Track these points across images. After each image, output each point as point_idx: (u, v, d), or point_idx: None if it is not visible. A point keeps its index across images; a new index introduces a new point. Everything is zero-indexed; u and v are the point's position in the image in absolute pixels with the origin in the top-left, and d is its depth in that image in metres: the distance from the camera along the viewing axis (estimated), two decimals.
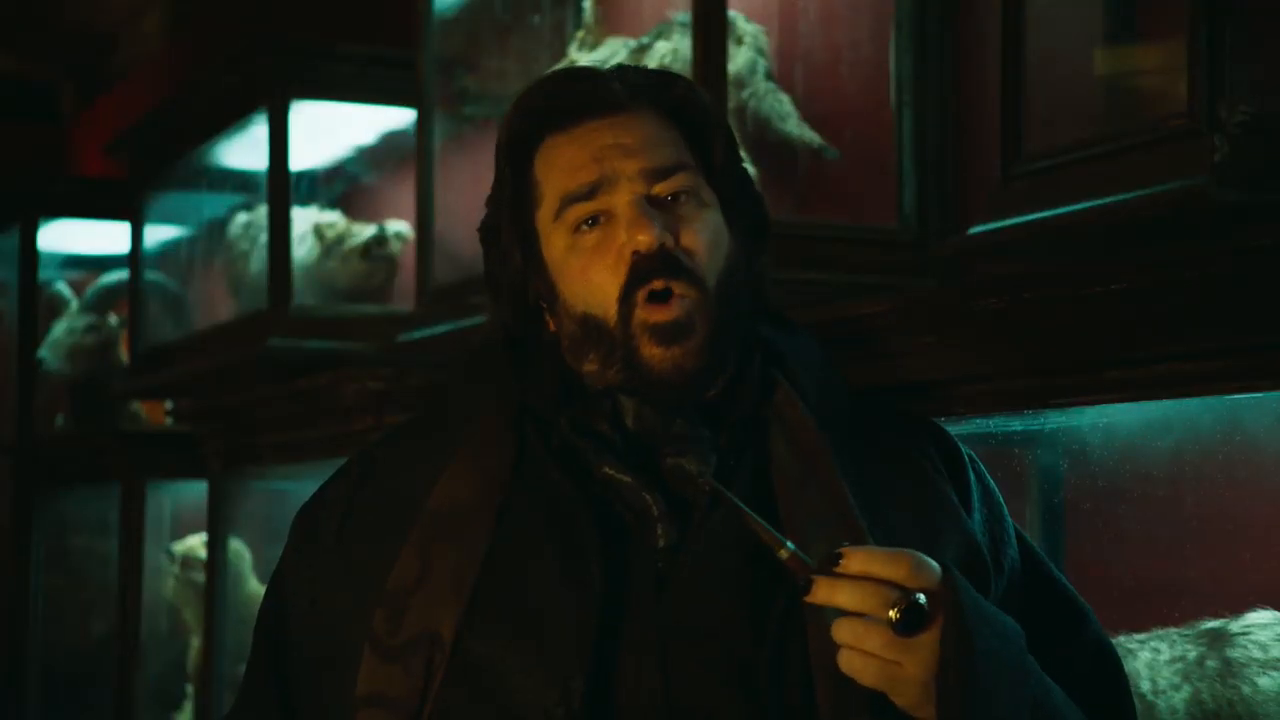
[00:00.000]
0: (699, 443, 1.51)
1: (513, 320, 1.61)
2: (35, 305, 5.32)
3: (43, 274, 5.34)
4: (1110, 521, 1.91)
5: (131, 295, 4.45)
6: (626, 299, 1.51)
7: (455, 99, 3.29)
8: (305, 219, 3.60)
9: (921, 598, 1.33)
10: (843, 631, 1.35)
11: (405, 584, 1.51)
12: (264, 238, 3.55)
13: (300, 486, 1.71)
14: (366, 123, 3.73)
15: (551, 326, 1.59)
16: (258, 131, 3.54)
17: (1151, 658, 1.76)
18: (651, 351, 1.51)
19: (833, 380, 1.63)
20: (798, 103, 2.58)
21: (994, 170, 1.91)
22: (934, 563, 1.37)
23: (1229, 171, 1.58)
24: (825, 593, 1.35)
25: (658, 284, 1.50)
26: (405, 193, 3.50)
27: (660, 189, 1.54)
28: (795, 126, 2.55)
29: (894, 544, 1.40)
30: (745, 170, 1.64)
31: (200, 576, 3.93)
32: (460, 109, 3.30)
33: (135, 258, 4.40)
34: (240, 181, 3.98)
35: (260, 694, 1.63)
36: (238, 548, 3.79)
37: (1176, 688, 1.74)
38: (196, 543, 4.07)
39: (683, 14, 2.55)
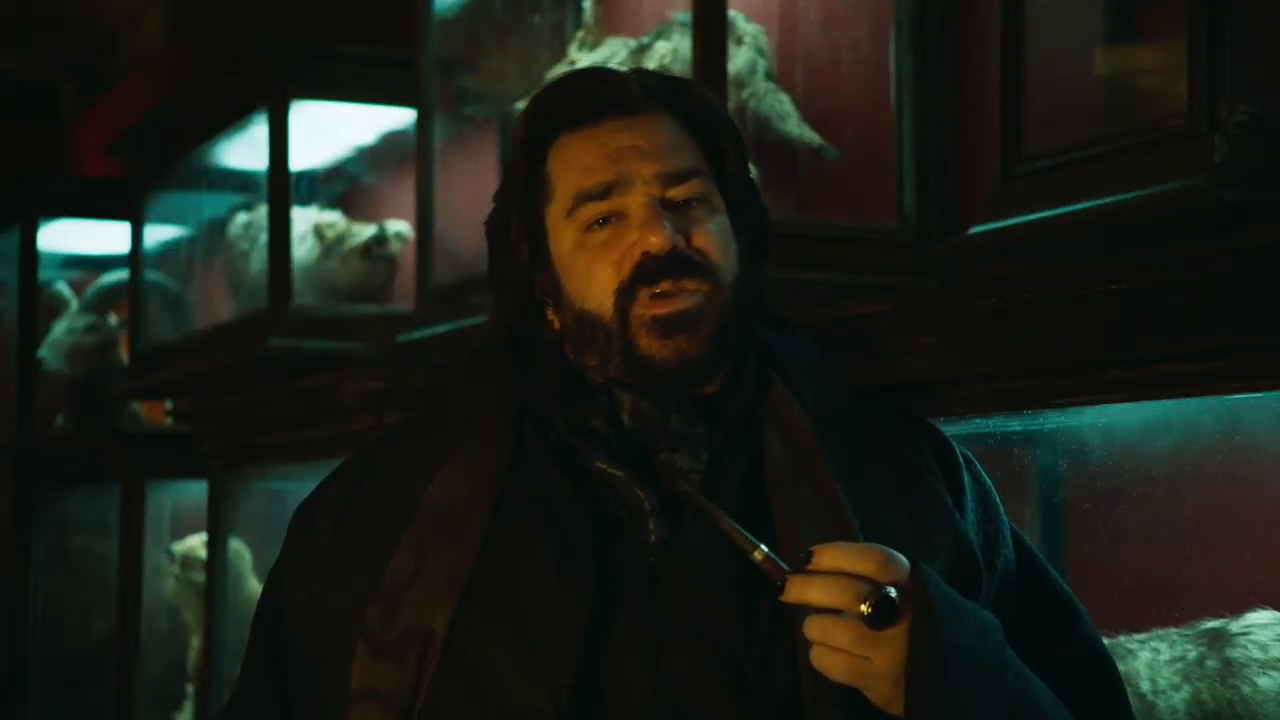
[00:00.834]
0: (694, 439, 1.52)
1: (516, 317, 1.62)
2: (35, 305, 5.32)
3: (43, 274, 5.34)
4: (1110, 521, 1.91)
5: (131, 295, 4.45)
6: (626, 294, 1.52)
7: (455, 99, 3.29)
8: (305, 219, 3.60)
9: (892, 591, 1.34)
10: (813, 629, 1.36)
11: (400, 580, 1.52)
12: (264, 238, 3.55)
13: (300, 486, 1.71)
14: (366, 123, 3.73)
15: (555, 324, 1.59)
16: (258, 131, 3.54)
17: (1151, 658, 1.76)
18: (650, 343, 1.52)
19: (830, 381, 1.63)
20: (798, 103, 2.58)
21: (994, 170, 1.91)
22: (903, 558, 1.38)
23: (1229, 171, 1.58)
24: (797, 591, 1.37)
25: (666, 285, 1.51)
26: (405, 193, 3.50)
27: (674, 193, 1.55)
28: (795, 126, 2.55)
29: (888, 544, 1.41)
30: (753, 180, 1.65)
31: (200, 576, 3.93)
32: (460, 109, 3.30)
33: (135, 258, 4.40)
34: (240, 181, 3.98)
35: (257, 690, 1.64)
36: (238, 548, 3.79)
37: (1176, 688, 1.74)
38: (196, 543, 4.07)
39: (683, 14, 2.55)
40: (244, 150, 3.83)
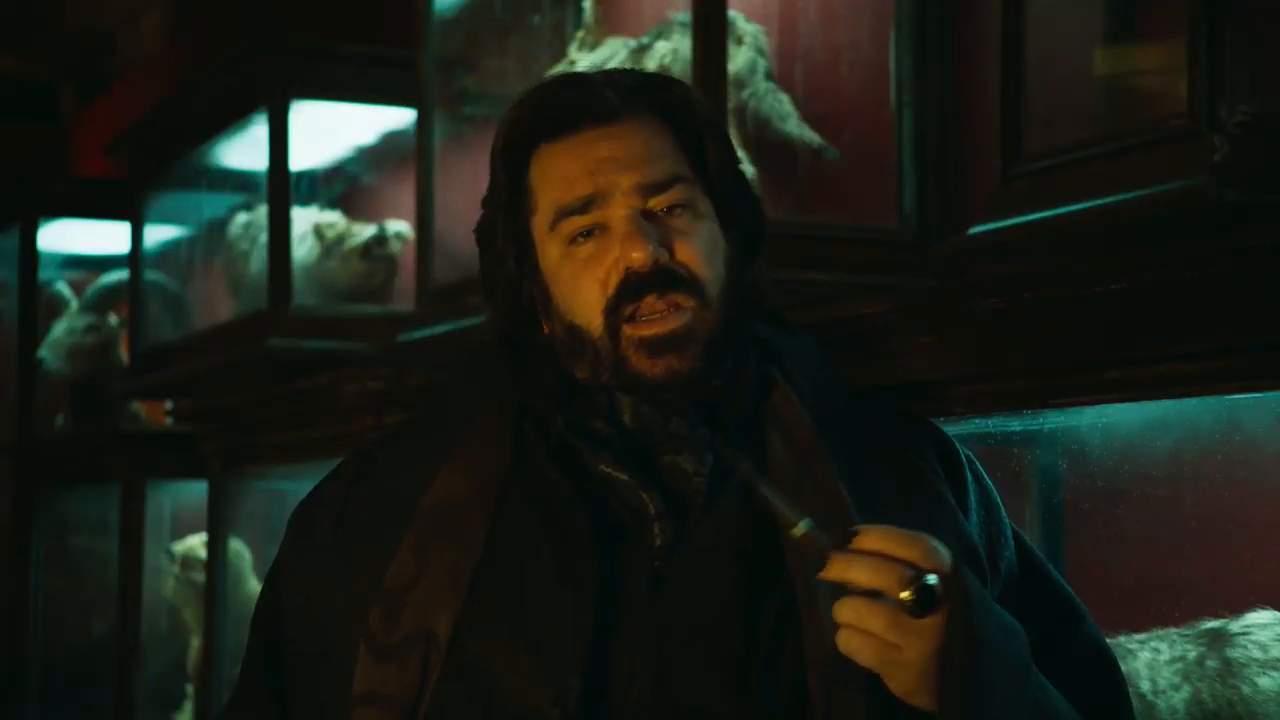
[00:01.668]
0: (696, 441, 1.52)
1: (508, 322, 1.61)
2: (35, 305, 5.32)
3: (43, 274, 5.34)
4: (1110, 521, 1.91)
5: (131, 295, 4.45)
6: (612, 312, 1.51)
7: (455, 99, 3.29)
8: (305, 219, 3.60)
9: (933, 578, 1.33)
10: (845, 611, 1.35)
11: (402, 582, 1.51)
12: (264, 238, 3.55)
13: (300, 486, 1.71)
14: (366, 123, 3.73)
15: (546, 329, 1.59)
16: (258, 131, 3.54)
17: (1151, 658, 1.76)
18: (641, 362, 1.51)
19: (831, 380, 1.63)
20: (798, 103, 2.58)
21: (994, 170, 1.91)
22: (945, 549, 1.37)
23: (1229, 171, 1.58)
24: (840, 568, 1.35)
25: (653, 301, 1.50)
26: (405, 193, 3.50)
27: (655, 203, 1.53)
28: (795, 126, 2.55)
29: None
30: (742, 173, 1.63)
31: (200, 576, 3.93)
32: (460, 109, 3.30)
33: (135, 258, 4.40)
34: (240, 181, 3.98)
35: (256, 690, 1.64)
36: (238, 548, 3.79)
37: (1176, 688, 1.74)
38: (196, 543, 4.07)
39: (683, 14, 2.55)
40: (244, 150, 3.83)
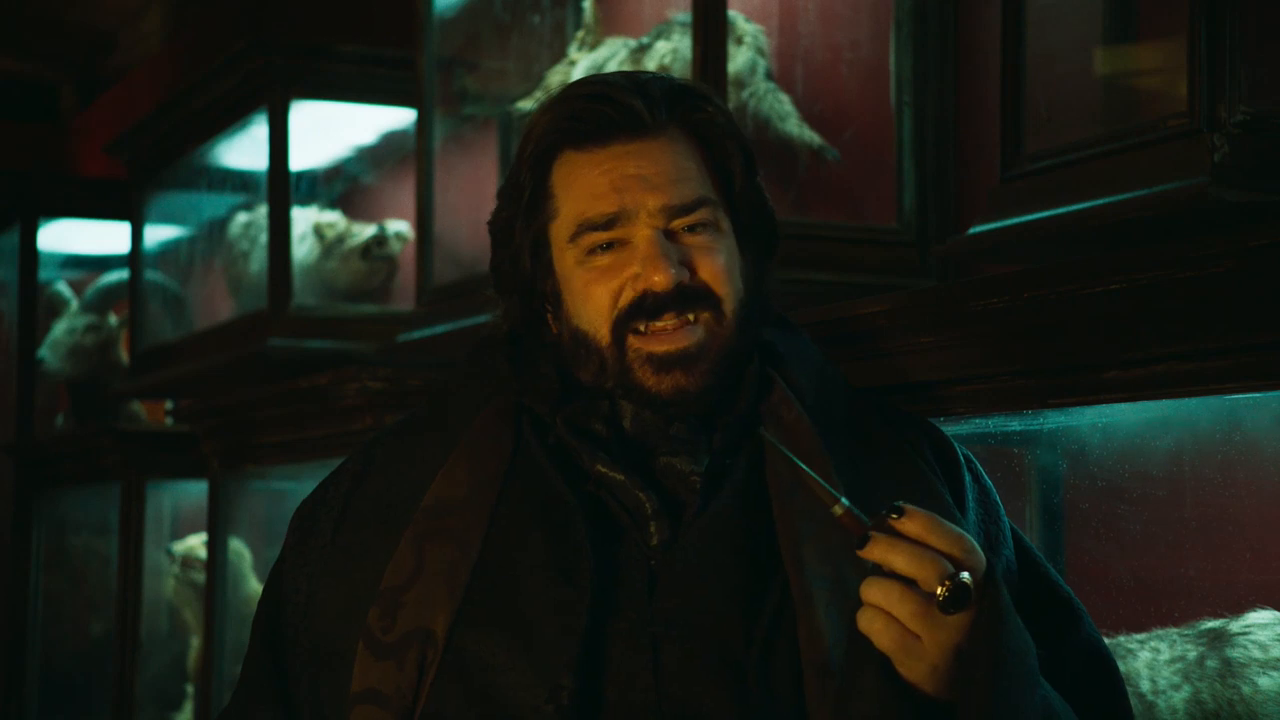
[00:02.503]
0: (694, 443, 1.52)
1: (517, 315, 1.61)
2: (35, 305, 5.32)
3: (43, 274, 5.34)
4: (1110, 521, 1.91)
5: (131, 295, 4.45)
6: (621, 324, 1.52)
7: (455, 99, 3.29)
8: (305, 219, 3.61)
9: (967, 577, 1.33)
10: (874, 591, 1.34)
11: (400, 581, 1.52)
12: (264, 238, 3.55)
13: (300, 486, 1.71)
14: (366, 123, 3.73)
15: (554, 329, 1.59)
16: (258, 131, 3.54)
17: (1151, 658, 1.76)
18: (647, 377, 1.52)
19: (830, 380, 1.63)
20: (798, 103, 2.58)
21: (994, 170, 1.91)
22: (981, 551, 1.37)
23: (1229, 171, 1.58)
24: (882, 550, 1.34)
25: (669, 319, 1.51)
26: (405, 193, 3.50)
27: (679, 224, 1.54)
28: (795, 126, 2.55)
29: None
30: (760, 187, 1.63)
31: (200, 576, 3.93)
32: (460, 109, 3.31)
33: (135, 258, 4.40)
34: (240, 181, 3.98)
35: (258, 689, 1.64)
36: (238, 548, 3.79)
37: (1176, 688, 1.74)
38: (196, 543, 4.07)
39: (683, 14, 2.56)
40: (244, 150, 3.83)
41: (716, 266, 1.53)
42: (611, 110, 1.55)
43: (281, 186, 3.44)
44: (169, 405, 5.03)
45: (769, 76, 2.58)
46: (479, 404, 1.60)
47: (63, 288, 5.37)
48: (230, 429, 3.50)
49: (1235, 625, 1.73)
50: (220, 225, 4.01)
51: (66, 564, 5.28)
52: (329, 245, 3.58)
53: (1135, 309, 1.57)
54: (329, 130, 3.68)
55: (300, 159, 3.51)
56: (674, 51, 2.59)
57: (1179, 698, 1.73)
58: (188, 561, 4.10)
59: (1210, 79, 1.61)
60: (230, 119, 3.75)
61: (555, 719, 1.42)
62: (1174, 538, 1.87)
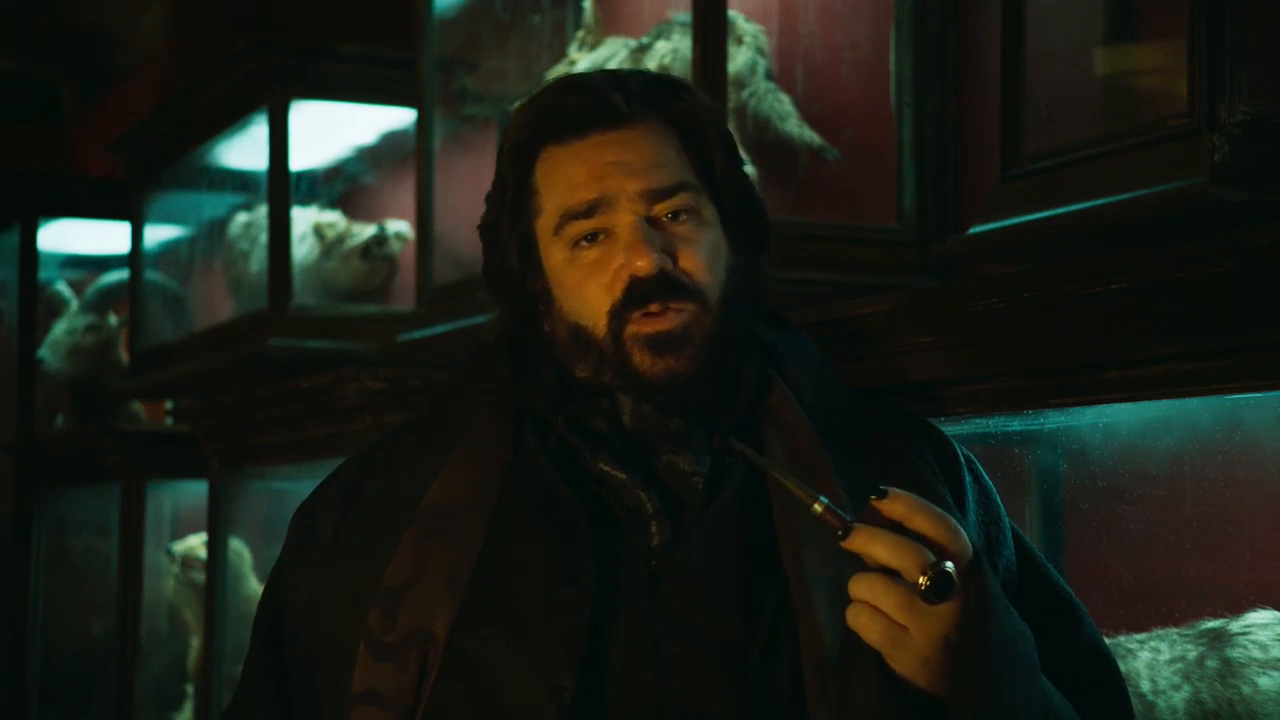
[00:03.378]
0: (695, 442, 1.52)
1: (512, 316, 1.62)
2: (35, 305, 5.32)
3: (43, 274, 5.34)
4: (1110, 521, 1.91)
5: (131, 295, 4.45)
6: (618, 315, 1.52)
7: (455, 99, 3.29)
8: (305, 219, 3.61)
9: (950, 566, 1.33)
10: (859, 586, 1.34)
11: (400, 582, 1.52)
12: (264, 238, 3.55)
13: (300, 486, 1.71)
14: (366, 123, 3.73)
15: (547, 327, 1.59)
16: (258, 131, 3.54)
17: (1151, 658, 1.76)
18: (643, 360, 1.52)
19: (829, 381, 1.63)
20: (798, 103, 2.58)
21: (994, 170, 1.91)
22: (968, 537, 1.37)
23: (1229, 171, 1.58)
24: (863, 541, 1.34)
25: (654, 307, 1.51)
26: (405, 193, 3.50)
27: (660, 209, 1.54)
28: (795, 126, 2.55)
29: None
30: (746, 176, 1.63)
31: (200, 576, 3.93)
32: (460, 109, 3.30)
33: (135, 258, 4.40)
34: (240, 181, 3.98)
35: (259, 690, 1.64)
36: (238, 548, 3.79)
37: (1176, 688, 1.74)
38: (196, 543, 4.07)
39: (683, 14, 2.55)
40: (244, 150, 3.83)
41: (697, 255, 1.53)
42: (589, 102, 1.55)
43: (281, 186, 3.44)
44: (169, 405, 5.03)
45: (769, 76, 2.58)
46: (479, 405, 1.60)
47: (63, 288, 5.37)
48: (230, 429, 3.50)
49: (1235, 625, 1.73)
50: (220, 225, 4.01)
51: (66, 564, 5.28)
52: (329, 245, 3.58)
53: (1135, 309, 1.56)
54: (329, 130, 3.68)
55: (300, 159, 3.51)
56: (674, 51, 2.59)
57: (1179, 698, 1.73)
58: (188, 561, 4.10)
59: (1210, 79, 1.61)
60: (230, 119, 3.75)
61: (556, 719, 1.43)
62: (1174, 538, 1.87)
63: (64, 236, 5.38)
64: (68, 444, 5.03)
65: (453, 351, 2.75)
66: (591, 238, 1.54)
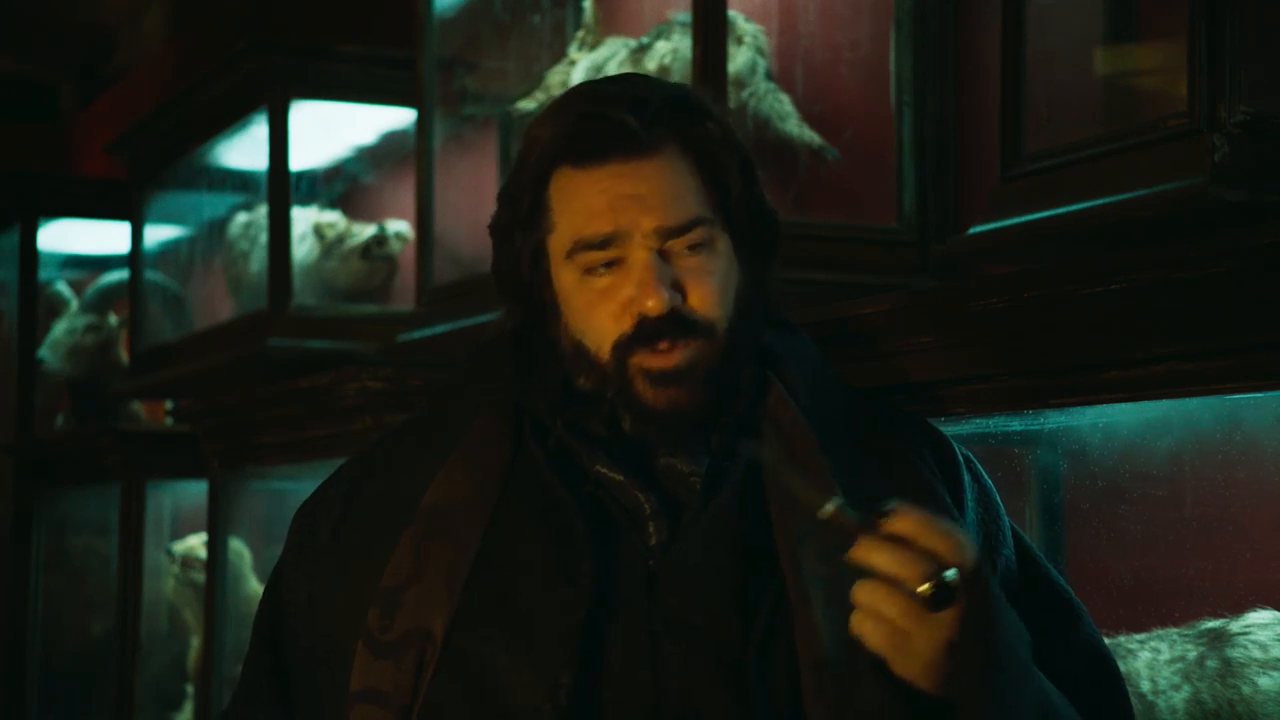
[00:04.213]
0: (693, 443, 1.53)
1: (519, 318, 1.62)
2: (35, 305, 5.32)
3: (43, 274, 5.34)
4: (1110, 521, 1.91)
5: (131, 295, 4.45)
6: (625, 347, 1.52)
7: (455, 99, 3.29)
8: (305, 219, 3.61)
9: (951, 574, 1.33)
10: (862, 593, 1.35)
11: (399, 581, 1.53)
12: (264, 238, 3.55)
13: (300, 486, 1.72)
14: (366, 123, 3.73)
15: (554, 331, 1.59)
16: (258, 131, 3.54)
17: (1151, 658, 1.77)
18: (646, 391, 1.52)
19: (828, 381, 1.63)
20: (798, 103, 2.58)
21: (994, 170, 1.91)
22: (973, 544, 1.37)
23: (1229, 171, 1.58)
24: (864, 552, 1.35)
25: (663, 345, 1.51)
26: (405, 193, 3.50)
27: (674, 244, 1.53)
28: (795, 126, 2.55)
29: None
30: (762, 196, 1.62)
31: (200, 576, 3.93)
32: (460, 109, 3.30)
33: (135, 258, 4.40)
34: (240, 181, 3.98)
35: (259, 690, 1.65)
36: (238, 548, 3.79)
37: (1176, 688, 1.74)
38: (196, 543, 4.07)
39: (683, 14, 2.55)
40: (244, 150, 3.83)
41: (708, 291, 1.53)
42: (604, 126, 1.54)
43: (281, 186, 3.44)
44: (169, 405, 5.03)
45: (769, 76, 2.58)
46: (479, 405, 1.60)
47: (63, 288, 5.37)
48: (230, 429, 3.51)
49: (1235, 625, 1.73)
50: (220, 225, 4.01)
51: (66, 564, 5.28)
52: (329, 245, 3.58)
53: (1135, 309, 1.57)
54: (329, 130, 3.68)
55: (300, 159, 3.51)
56: (674, 51, 2.59)
57: (1179, 698, 1.73)
58: (188, 561, 4.10)
59: (1210, 79, 1.61)
60: (230, 119, 3.75)
61: (554, 718, 1.43)
62: (1174, 538, 1.87)
63: (64, 236, 5.38)
64: (68, 444, 5.03)
65: (453, 351, 2.75)
66: (605, 265, 1.54)
